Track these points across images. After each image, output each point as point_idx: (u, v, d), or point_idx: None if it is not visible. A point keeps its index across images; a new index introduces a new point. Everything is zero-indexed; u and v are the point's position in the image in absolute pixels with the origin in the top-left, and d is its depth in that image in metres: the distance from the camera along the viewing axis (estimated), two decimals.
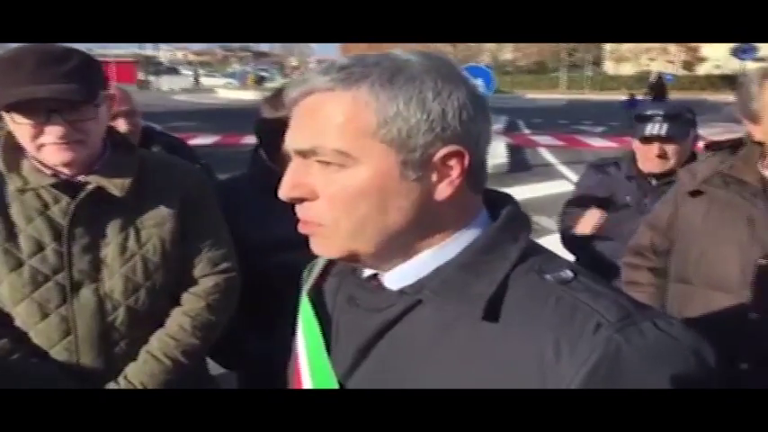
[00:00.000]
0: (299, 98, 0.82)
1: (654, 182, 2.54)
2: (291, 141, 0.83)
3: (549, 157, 14.18)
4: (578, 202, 2.82)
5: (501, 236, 0.84)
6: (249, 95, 37.47)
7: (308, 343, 0.97)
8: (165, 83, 47.96)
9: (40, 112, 1.42)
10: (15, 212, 1.51)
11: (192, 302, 1.65)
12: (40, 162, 1.52)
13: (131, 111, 2.50)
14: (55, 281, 1.51)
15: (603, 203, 2.64)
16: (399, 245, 0.84)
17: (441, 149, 0.80)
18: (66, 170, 1.52)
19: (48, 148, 1.46)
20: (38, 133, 1.44)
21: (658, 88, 25.93)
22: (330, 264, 1.01)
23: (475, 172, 0.84)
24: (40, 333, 1.52)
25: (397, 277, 0.86)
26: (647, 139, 2.50)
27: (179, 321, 1.63)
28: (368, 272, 0.91)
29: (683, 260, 1.89)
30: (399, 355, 0.84)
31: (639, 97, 26.19)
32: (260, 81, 49.00)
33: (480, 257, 0.82)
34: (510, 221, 0.86)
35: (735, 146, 1.87)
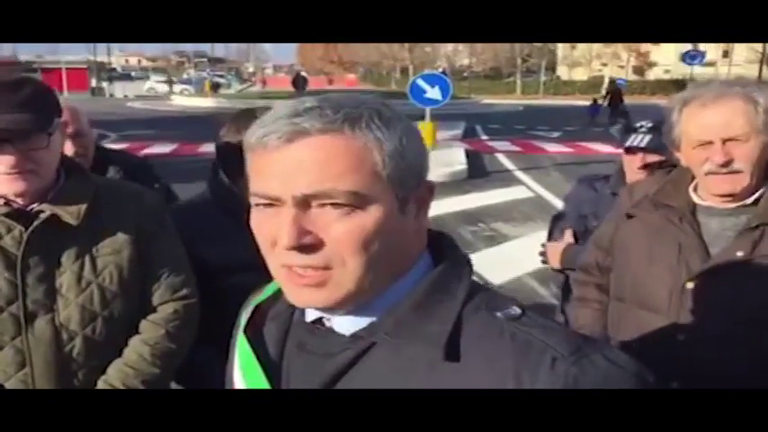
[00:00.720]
0: (288, 141, 0.78)
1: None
2: (291, 187, 0.78)
3: (506, 162, 14.36)
4: (560, 218, 2.86)
5: (447, 276, 0.85)
6: (206, 102, 37.14)
7: (249, 386, 0.95)
8: (119, 89, 47.21)
9: None
10: None
11: (151, 330, 1.62)
12: None
13: (78, 131, 2.30)
14: (9, 312, 1.47)
15: (582, 222, 2.67)
16: (377, 285, 0.83)
17: (423, 184, 0.84)
18: (19, 200, 1.48)
19: (0, 179, 1.43)
20: None
21: (614, 93, 26.52)
22: (264, 305, 1.00)
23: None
24: None
25: (347, 320, 0.86)
26: (629, 150, 2.51)
27: (138, 350, 1.59)
28: (312, 315, 0.89)
29: (619, 279, 1.93)
30: None
31: (601, 103, 26.74)
32: (216, 87, 48.60)
33: (431, 297, 0.83)
34: (454, 262, 0.87)
35: (674, 166, 1.91)
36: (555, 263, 2.70)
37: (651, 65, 62.29)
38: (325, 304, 0.82)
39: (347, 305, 0.83)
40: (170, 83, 50.84)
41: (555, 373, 0.74)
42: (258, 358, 0.93)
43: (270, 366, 0.92)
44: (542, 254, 2.81)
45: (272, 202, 0.80)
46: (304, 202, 0.78)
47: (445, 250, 0.89)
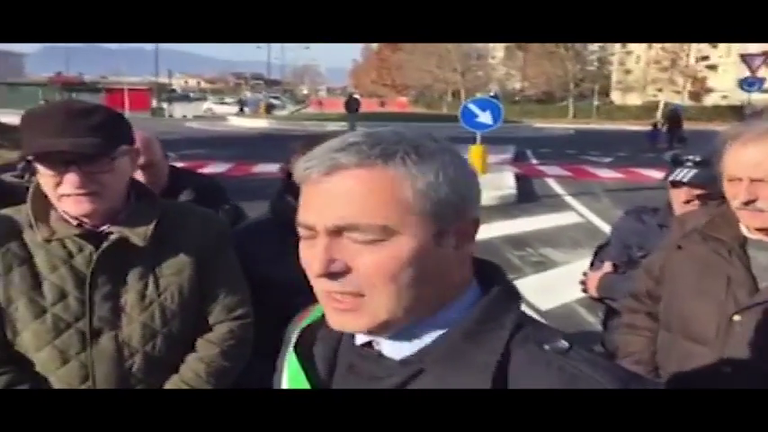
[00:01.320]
0: (327, 175, 0.83)
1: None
2: (325, 218, 0.82)
3: (556, 187, 14.22)
4: (604, 248, 2.86)
5: (497, 306, 0.87)
6: (260, 123, 37.82)
7: None
8: (178, 110, 48.45)
9: (59, 163, 1.48)
10: (40, 261, 1.56)
11: (206, 349, 1.69)
12: (65, 212, 1.57)
13: (150, 161, 2.41)
14: (76, 328, 1.55)
15: (626, 252, 2.66)
16: (417, 312, 0.86)
17: (466, 218, 0.86)
18: (87, 221, 1.57)
19: (66, 199, 1.51)
20: (57, 183, 1.50)
21: (673, 119, 26.16)
22: (314, 325, 1.03)
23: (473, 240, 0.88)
24: (60, 379, 1.56)
25: (397, 345, 0.89)
26: (674, 184, 2.48)
27: (194, 368, 1.66)
28: (361, 338, 0.93)
29: (667, 309, 1.95)
30: None
31: (660, 128, 26.35)
32: (271, 109, 49.45)
33: (480, 327, 0.85)
34: (503, 292, 0.89)
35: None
36: (593, 291, 2.71)
37: (708, 90, 61.02)
38: (360, 329, 0.86)
39: (385, 331, 0.86)
40: (241, 104, 51.86)
41: None
42: (308, 377, 0.97)
43: (318, 386, 0.96)
44: (583, 282, 2.82)
45: (310, 232, 0.85)
46: (336, 233, 0.82)
47: (494, 280, 0.91)
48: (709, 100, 58.23)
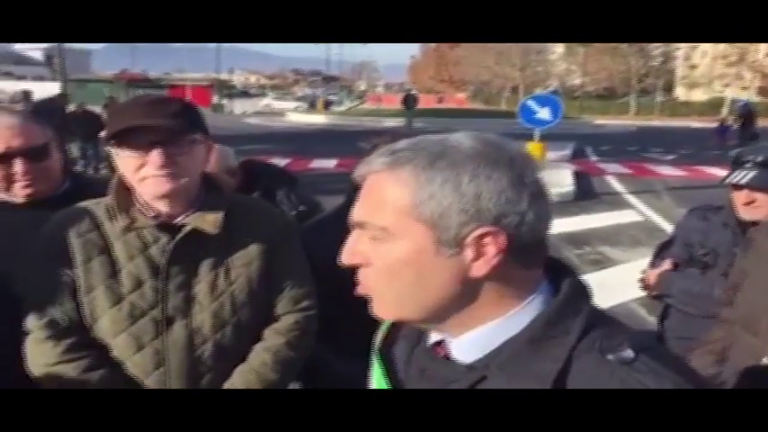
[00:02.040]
0: (364, 176, 0.92)
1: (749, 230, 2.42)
2: (353, 213, 0.93)
3: (616, 185, 13.96)
4: (666, 246, 2.83)
5: (564, 310, 0.87)
6: (318, 119, 38.19)
7: None
8: (238, 106, 49.30)
9: (142, 144, 1.55)
10: (118, 251, 1.63)
11: (273, 339, 1.74)
12: (144, 205, 1.65)
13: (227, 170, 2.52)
14: (150, 316, 1.62)
15: (687, 251, 2.64)
16: (450, 317, 0.90)
17: (475, 230, 0.85)
18: (163, 206, 1.64)
19: (148, 180, 1.58)
20: (140, 165, 1.57)
21: (746, 114, 25.39)
22: (398, 326, 1.06)
23: (522, 251, 0.87)
24: (136, 365, 1.63)
25: (466, 347, 0.92)
26: (735, 186, 2.45)
27: (261, 357, 1.71)
28: (435, 336, 0.97)
29: (738, 303, 1.99)
30: None
31: (731, 124, 25.63)
32: (328, 105, 49.85)
33: (545, 333, 0.86)
34: (572, 294, 0.89)
35: None
36: (650, 288, 2.68)
37: None
38: (384, 317, 0.96)
39: (418, 325, 0.95)
40: (309, 100, 52.47)
41: None
42: (389, 375, 1.02)
43: (396, 387, 1.00)
44: (641, 280, 2.78)
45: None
46: (358, 227, 0.92)
47: (566, 281, 0.91)
48: None
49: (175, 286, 1.63)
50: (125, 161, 1.59)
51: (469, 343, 0.91)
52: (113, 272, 1.62)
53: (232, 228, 1.68)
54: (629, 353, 0.82)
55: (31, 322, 1.61)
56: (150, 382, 1.64)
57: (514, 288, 0.90)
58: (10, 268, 1.68)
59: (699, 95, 58.36)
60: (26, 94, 20.41)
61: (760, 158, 2.37)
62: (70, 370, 1.58)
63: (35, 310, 1.61)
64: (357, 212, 0.92)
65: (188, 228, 1.64)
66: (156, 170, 1.56)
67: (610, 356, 0.82)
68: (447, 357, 0.95)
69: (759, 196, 2.38)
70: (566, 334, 0.85)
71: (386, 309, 0.93)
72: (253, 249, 1.71)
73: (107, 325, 1.62)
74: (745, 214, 2.43)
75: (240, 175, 2.66)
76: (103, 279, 1.62)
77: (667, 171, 16.27)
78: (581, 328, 0.86)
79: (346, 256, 0.93)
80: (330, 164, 15.24)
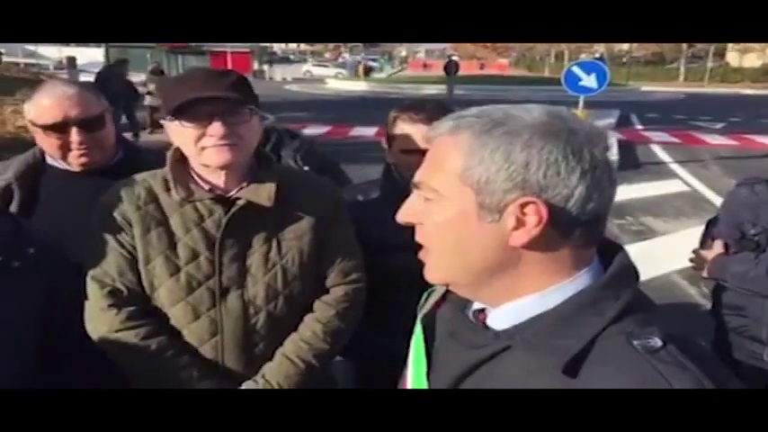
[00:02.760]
0: (430, 139, 0.96)
1: None
2: (416, 174, 0.97)
3: (661, 154, 13.70)
4: (714, 224, 2.74)
5: (603, 293, 0.87)
6: (358, 86, 38.06)
7: (413, 369, 1.07)
8: (278, 72, 49.38)
9: (203, 115, 1.59)
10: (175, 223, 1.68)
11: (323, 310, 1.78)
12: (199, 178, 1.70)
13: None
14: (206, 286, 1.68)
15: (738, 229, 2.54)
16: (491, 284, 0.92)
17: (518, 198, 0.86)
18: (220, 177, 1.68)
19: (209, 150, 1.62)
20: (200, 135, 1.60)
21: None
22: (447, 292, 1.09)
23: (567, 226, 0.87)
24: (192, 333, 1.69)
25: (501, 317, 0.94)
26: None
27: (312, 327, 1.76)
28: (476, 306, 1.01)
29: None
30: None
31: None
32: (369, 71, 49.61)
33: (577, 312, 0.86)
34: (615, 278, 0.89)
35: None
36: (703, 272, 2.63)
37: None
38: (433, 281, 0.99)
39: (454, 289, 0.98)
40: (353, 65, 52.26)
41: None
42: (426, 341, 1.07)
43: (429, 349, 1.05)
44: (692, 260, 2.74)
45: None
46: (418, 189, 0.96)
47: (613, 264, 0.91)
48: None
49: (229, 258, 1.68)
50: (185, 132, 1.62)
51: (505, 313, 0.93)
52: (171, 243, 1.68)
53: (284, 201, 1.72)
54: (656, 341, 0.82)
55: (93, 290, 1.68)
56: (205, 350, 1.70)
57: (558, 264, 0.90)
58: (66, 234, 1.75)
59: (752, 61, 56.43)
60: (71, 61, 20.71)
61: None
62: (131, 336, 1.65)
63: (96, 278, 1.68)
64: (418, 173, 0.96)
65: (242, 201, 1.67)
66: (218, 140, 1.60)
67: (636, 342, 0.82)
68: (484, 325, 0.97)
69: None
70: (598, 315, 0.85)
71: (434, 271, 0.97)
72: (304, 223, 1.75)
73: (165, 295, 1.68)
74: None
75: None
76: (161, 250, 1.67)
77: (716, 140, 15.88)
78: (616, 312, 0.85)
79: (401, 215, 0.98)
80: (370, 132, 15.24)
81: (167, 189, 1.70)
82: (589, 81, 12.24)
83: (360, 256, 1.87)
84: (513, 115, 0.89)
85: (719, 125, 19.61)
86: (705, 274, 2.64)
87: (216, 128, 1.59)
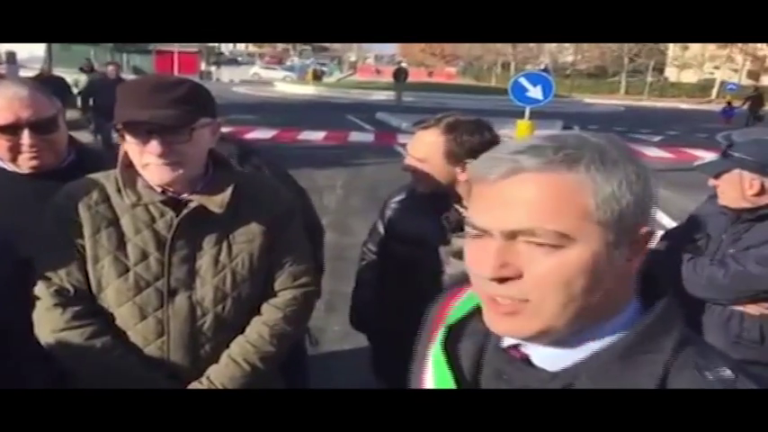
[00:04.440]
0: (506, 177, 0.83)
1: (743, 216, 2.47)
2: (501, 222, 0.83)
3: None
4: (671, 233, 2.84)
5: (656, 326, 0.84)
6: (307, 90, 37.91)
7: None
8: (226, 74, 48.81)
9: (142, 133, 1.59)
10: (126, 224, 1.68)
11: (271, 313, 1.80)
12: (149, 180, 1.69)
13: None
14: (154, 287, 1.68)
15: (690, 234, 2.66)
16: (578, 323, 0.85)
17: (642, 229, 0.83)
18: (170, 189, 1.68)
19: (150, 168, 1.62)
20: (141, 152, 1.61)
21: (755, 98, 27.06)
22: (463, 321, 1.02)
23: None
24: (138, 333, 1.69)
25: (550, 356, 0.88)
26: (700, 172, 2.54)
27: (258, 330, 1.77)
28: (509, 341, 0.92)
29: None
30: None
31: (737, 105, 27.13)
32: (321, 76, 49.50)
33: (637, 348, 0.83)
34: (665, 311, 0.86)
35: None
36: None
37: None
38: (519, 334, 0.86)
39: (543, 338, 0.86)
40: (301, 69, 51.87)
41: None
42: (454, 375, 0.97)
43: (462, 385, 0.96)
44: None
45: (481, 234, 0.85)
46: (511, 237, 0.82)
47: (656, 298, 0.88)
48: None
49: (179, 260, 1.69)
50: (130, 146, 1.63)
51: (553, 350, 0.88)
52: (120, 244, 1.67)
53: (236, 204, 1.73)
54: (728, 373, 0.80)
55: (40, 289, 1.66)
56: (151, 350, 1.70)
57: (627, 290, 0.88)
58: (12, 237, 1.72)
59: (689, 77, 58.51)
60: (10, 56, 20.08)
61: (725, 144, 2.45)
62: (76, 336, 1.64)
63: (44, 277, 1.67)
64: (513, 218, 0.82)
65: (193, 204, 1.68)
66: (157, 159, 1.60)
67: (708, 375, 0.80)
68: (525, 361, 0.91)
69: (720, 182, 2.47)
70: (659, 351, 0.82)
71: (537, 322, 0.84)
72: (255, 226, 1.76)
73: (112, 295, 1.67)
74: (719, 200, 2.53)
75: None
76: (110, 250, 1.67)
77: (653, 153, 16.38)
78: (674, 344, 0.83)
79: (493, 271, 0.83)
80: (318, 136, 15.22)
81: (119, 190, 1.70)
82: (535, 92, 12.50)
83: (311, 261, 1.90)
84: (598, 144, 0.84)
85: (658, 138, 20.26)
86: None
87: (154, 146, 1.58)
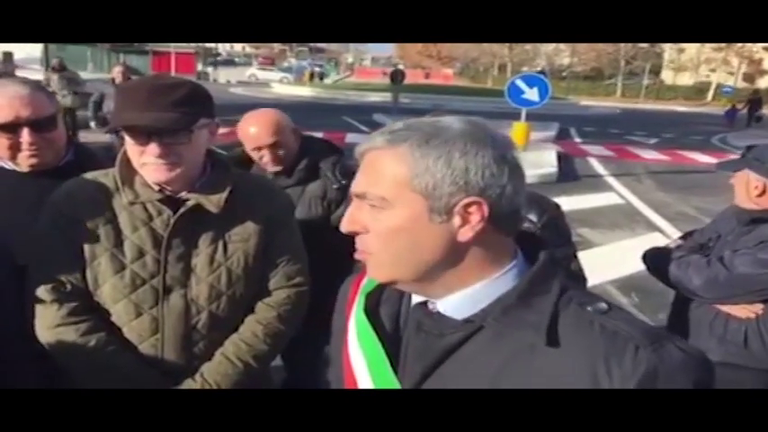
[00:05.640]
0: (365, 152, 1.03)
1: (749, 219, 2.54)
2: (354, 185, 1.04)
3: (598, 167, 14.10)
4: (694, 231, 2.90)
5: (544, 273, 1.01)
6: (303, 91, 37.89)
7: (368, 359, 1.11)
8: (223, 75, 48.77)
9: (141, 135, 1.61)
10: (123, 222, 1.70)
11: (264, 312, 1.82)
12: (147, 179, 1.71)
13: (276, 142, 2.61)
14: (150, 285, 1.70)
15: (707, 234, 2.74)
16: (439, 277, 1.02)
17: (462, 200, 0.97)
18: (168, 187, 1.70)
19: (148, 168, 1.65)
20: (140, 153, 1.63)
21: (754, 101, 28.16)
22: (378, 290, 1.17)
23: (501, 219, 0.99)
24: (133, 330, 1.71)
25: (456, 305, 1.03)
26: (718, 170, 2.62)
27: (252, 328, 1.80)
28: (418, 298, 1.08)
29: None
30: (462, 375, 1.00)
31: (739, 108, 28.18)
32: (315, 77, 49.47)
33: (530, 291, 0.99)
34: (548, 261, 1.03)
35: None
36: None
37: (763, 72, 59.18)
38: (378, 280, 1.06)
39: (401, 287, 1.06)
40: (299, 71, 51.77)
41: (638, 360, 0.88)
42: (378, 335, 1.11)
43: (387, 341, 1.10)
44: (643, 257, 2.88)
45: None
46: (358, 198, 1.03)
47: (539, 252, 1.04)
48: (764, 82, 56.46)
49: (175, 257, 1.71)
50: (129, 147, 1.66)
51: (458, 302, 1.03)
52: (118, 241, 1.70)
53: (233, 204, 1.75)
54: (603, 305, 0.97)
55: (37, 286, 1.68)
56: (145, 347, 1.72)
57: (495, 254, 1.02)
58: (11, 234, 1.74)
59: (685, 79, 58.64)
60: (7, 56, 20.06)
61: (747, 147, 2.57)
62: (71, 332, 1.67)
63: (42, 274, 1.69)
64: (358, 184, 1.02)
65: (190, 203, 1.70)
66: (155, 160, 1.62)
67: (588, 308, 0.96)
68: (438, 314, 1.05)
69: (734, 182, 2.56)
70: (548, 292, 0.98)
71: (381, 270, 1.03)
72: (251, 226, 1.79)
73: (108, 291, 1.70)
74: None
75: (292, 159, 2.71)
76: (108, 248, 1.69)
77: (649, 155, 16.47)
78: (559, 287, 0.99)
79: (346, 224, 1.04)
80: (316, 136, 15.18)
81: (117, 188, 1.72)
82: (532, 94, 12.55)
83: (305, 260, 1.92)
84: (442, 126, 0.99)
85: (653, 140, 20.33)
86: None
87: (153, 148, 1.61)
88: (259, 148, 2.61)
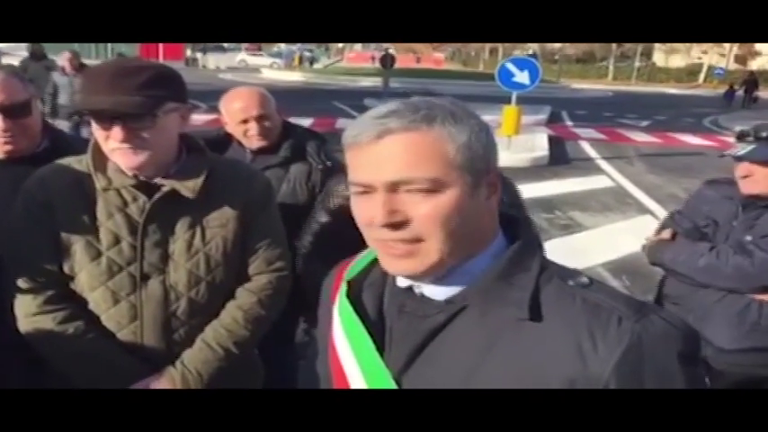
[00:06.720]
0: (377, 138, 0.96)
1: (755, 204, 2.50)
2: (382, 175, 0.95)
3: (589, 150, 14.11)
4: (675, 215, 2.88)
5: (523, 251, 1.01)
6: (294, 76, 37.73)
7: (354, 345, 1.10)
8: (212, 61, 48.44)
9: (105, 119, 1.57)
10: (98, 208, 1.67)
11: (245, 297, 1.80)
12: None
13: (262, 115, 2.61)
14: (127, 271, 1.67)
15: (692, 220, 2.71)
16: (459, 256, 1.00)
17: (491, 172, 1.00)
18: (141, 173, 1.67)
19: (115, 153, 1.61)
20: (106, 138, 1.60)
21: (750, 82, 29.13)
22: (360, 277, 1.17)
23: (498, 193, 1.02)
24: (111, 318, 1.69)
25: (440, 289, 1.02)
26: (736, 159, 2.52)
27: (232, 314, 1.78)
28: (403, 282, 1.06)
29: None
30: (448, 355, 0.99)
31: (737, 89, 29.29)
32: (305, 62, 49.22)
33: (511, 269, 0.99)
34: (526, 239, 1.04)
35: None
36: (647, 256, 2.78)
37: (755, 54, 59.26)
38: (413, 272, 0.99)
39: (432, 273, 0.99)
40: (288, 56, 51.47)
41: (621, 331, 0.89)
42: (362, 321, 1.10)
43: (372, 328, 1.09)
44: (644, 247, 2.84)
45: (366, 189, 0.98)
46: (392, 187, 0.95)
47: (519, 230, 1.05)
48: (755, 64, 56.56)
49: (152, 244, 1.68)
50: (95, 131, 1.62)
51: (440, 285, 1.02)
52: (93, 228, 1.67)
53: (210, 189, 1.72)
54: (584, 279, 0.98)
55: (13, 274, 1.66)
56: (124, 335, 1.70)
57: (493, 226, 1.04)
58: None
59: (677, 62, 58.68)
60: None
61: (764, 134, 2.45)
62: (48, 321, 1.64)
63: (17, 262, 1.66)
64: (392, 170, 0.95)
65: (165, 189, 1.67)
66: (120, 144, 1.58)
67: (570, 282, 0.97)
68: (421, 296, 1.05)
69: (756, 169, 2.46)
70: (529, 269, 0.98)
71: (431, 258, 0.97)
72: (229, 211, 1.76)
73: (85, 279, 1.67)
74: (743, 187, 2.50)
75: (278, 134, 2.71)
76: (83, 235, 1.66)
77: (641, 137, 16.47)
78: (539, 264, 0.99)
79: (385, 218, 0.95)
80: (306, 122, 15.15)
81: (91, 174, 1.68)
82: (522, 77, 12.49)
83: (285, 245, 1.89)
84: (444, 106, 0.99)
85: (645, 123, 20.34)
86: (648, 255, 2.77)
87: (116, 132, 1.57)
88: (245, 121, 2.59)
